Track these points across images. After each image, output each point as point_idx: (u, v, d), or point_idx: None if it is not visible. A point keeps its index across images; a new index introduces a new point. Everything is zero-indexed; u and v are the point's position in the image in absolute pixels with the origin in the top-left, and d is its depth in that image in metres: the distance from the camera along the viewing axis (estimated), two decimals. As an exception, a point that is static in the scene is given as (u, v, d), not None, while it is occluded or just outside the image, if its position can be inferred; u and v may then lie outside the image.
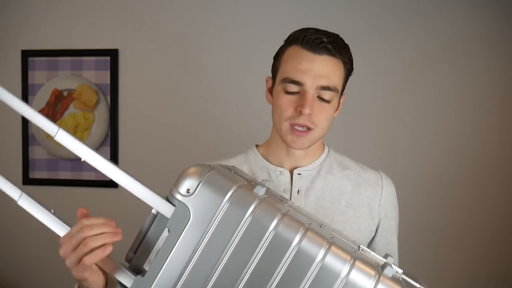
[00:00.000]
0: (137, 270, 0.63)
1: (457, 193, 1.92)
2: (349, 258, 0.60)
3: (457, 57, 1.92)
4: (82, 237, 0.62)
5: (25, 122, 2.12)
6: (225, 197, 0.60)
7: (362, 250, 0.65)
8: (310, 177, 0.93)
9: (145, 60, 2.07)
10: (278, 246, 0.59)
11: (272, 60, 0.94)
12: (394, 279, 0.60)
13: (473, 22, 1.91)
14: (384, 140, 1.96)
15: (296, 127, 0.85)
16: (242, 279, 0.59)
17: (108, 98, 2.08)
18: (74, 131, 2.09)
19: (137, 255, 0.63)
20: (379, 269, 0.61)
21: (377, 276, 0.59)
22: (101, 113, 2.08)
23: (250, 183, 0.66)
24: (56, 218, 0.65)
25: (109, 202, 2.02)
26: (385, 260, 0.65)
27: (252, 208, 0.60)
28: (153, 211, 0.64)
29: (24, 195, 0.68)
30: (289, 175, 0.93)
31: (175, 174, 0.96)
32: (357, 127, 1.97)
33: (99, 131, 2.08)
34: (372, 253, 0.66)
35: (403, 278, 0.63)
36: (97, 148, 2.08)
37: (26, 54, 2.10)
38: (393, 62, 1.95)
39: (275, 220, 0.60)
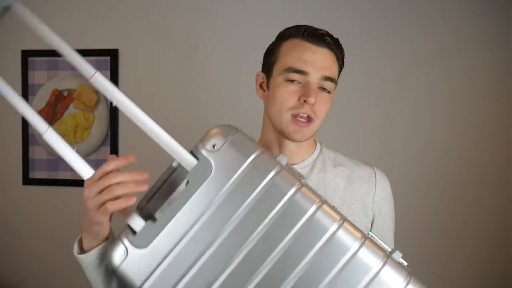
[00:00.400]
0: (148, 218, 0.63)
1: (454, 193, 1.92)
2: (360, 236, 0.61)
3: (453, 57, 1.92)
4: (107, 183, 0.63)
5: (25, 122, 2.12)
6: (248, 158, 0.61)
7: (372, 237, 0.66)
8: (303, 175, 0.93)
9: (145, 60, 2.07)
10: (293, 213, 0.60)
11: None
12: (401, 264, 0.61)
13: (468, 21, 1.91)
14: (380, 140, 1.96)
15: (298, 118, 0.85)
16: (252, 240, 0.59)
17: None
18: (74, 131, 2.09)
19: (150, 204, 0.64)
20: (387, 252, 0.62)
21: (385, 258, 0.60)
22: (101, 113, 2.08)
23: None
24: (80, 158, 0.66)
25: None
26: (393, 248, 0.66)
27: (274, 173, 0.61)
28: (174, 164, 0.66)
29: (50, 129, 0.72)
30: None
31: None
32: (353, 127, 1.97)
33: (99, 131, 2.08)
34: (381, 241, 0.67)
35: (408, 268, 0.64)
36: (97, 148, 2.08)
37: (26, 54, 2.10)
38: (388, 61, 1.95)
39: (293, 188, 0.61)
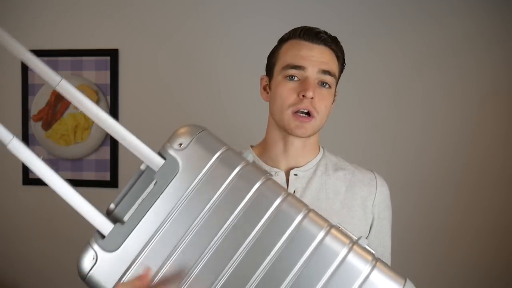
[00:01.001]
0: (117, 221, 0.62)
1: (450, 194, 1.92)
2: (325, 225, 0.61)
3: (449, 58, 1.92)
4: None
5: (25, 122, 2.12)
6: (214, 155, 0.62)
7: (341, 227, 0.67)
8: (306, 178, 0.93)
9: (145, 60, 2.07)
10: (260, 206, 0.60)
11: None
12: (367, 249, 0.62)
13: (463, 23, 1.91)
14: (378, 141, 1.96)
15: (299, 114, 0.87)
16: (221, 236, 0.60)
17: (108, 98, 2.08)
18: (74, 131, 2.09)
19: (119, 207, 0.64)
20: (353, 239, 0.62)
21: (350, 244, 0.60)
22: (101, 113, 2.08)
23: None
24: (48, 168, 0.67)
25: (109, 202, 2.02)
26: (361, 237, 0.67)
27: (239, 169, 0.62)
28: (142, 166, 0.66)
29: (15, 139, 0.70)
30: (284, 175, 0.92)
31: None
32: (350, 129, 1.97)
33: (99, 131, 2.08)
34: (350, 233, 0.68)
35: (375, 255, 0.64)
36: (97, 148, 2.08)
37: (26, 54, 2.10)
38: (385, 63, 1.95)
39: (260, 181, 0.61)
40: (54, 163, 2.11)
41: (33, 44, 2.11)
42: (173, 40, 2.05)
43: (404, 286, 0.58)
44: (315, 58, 0.87)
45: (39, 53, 2.22)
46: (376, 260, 0.60)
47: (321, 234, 0.59)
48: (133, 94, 2.09)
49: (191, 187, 0.61)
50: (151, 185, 0.62)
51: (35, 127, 2.10)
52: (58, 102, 2.10)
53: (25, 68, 2.10)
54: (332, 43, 0.90)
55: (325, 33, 0.91)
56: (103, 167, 2.10)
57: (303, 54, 0.88)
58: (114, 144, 2.08)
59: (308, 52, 0.88)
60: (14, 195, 2.14)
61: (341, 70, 0.95)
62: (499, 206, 1.90)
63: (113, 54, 2.06)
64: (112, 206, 0.65)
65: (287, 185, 0.91)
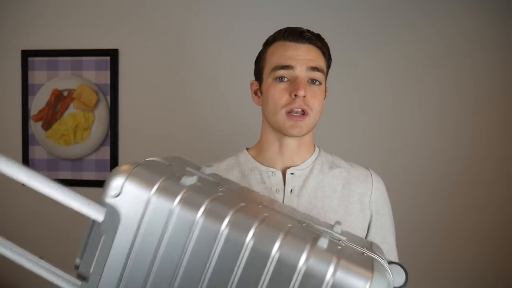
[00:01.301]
0: (84, 277, 0.63)
1: (446, 194, 1.92)
2: (279, 236, 0.57)
3: (444, 58, 1.92)
4: None
5: (25, 122, 2.12)
6: (150, 191, 0.59)
7: (305, 224, 0.63)
8: (303, 176, 0.93)
9: (145, 60, 2.07)
10: (208, 235, 0.58)
11: None
12: (330, 249, 0.57)
13: (460, 23, 1.91)
14: (376, 141, 1.96)
15: (293, 113, 0.88)
16: (179, 272, 0.59)
17: (108, 98, 2.08)
18: (74, 131, 2.09)
19: (83, 261, 0.63)
20: (312, 241, 0.58)
21: (307, 249, 0.56)
22: (101, 113, 2.08)
23: (184, 173, 0.65)
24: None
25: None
26: (323, 230, 0.63)
27: (178, 199, 0.59)
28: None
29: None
30: (281, 175, 0.93)
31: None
32: (348, 129, 1.97)
33: (99, 131, 2.08)
34: (323, 227, 0.64)
35: (344, 246, 0.60)
36: (97, 148, 2.09)
37: (26, 54, 2.10)
38: (381, 64, 1.95)
39: (202, 207, 0.59)
40: (54, 163, 2.12)
41: (33, 44, 2.11)
42: (173, 40, 2.05)
43: (371, 280, 0.53)
44: (302, 56, 0.89)
45: (39, 53, 2.24)
46: (339, 258, 0.56)
47: (274, 251, 0.55)
48: (133, 94, 2.09)
49: (138, 230, 0.59)
50: (102, 237, 0.61)
51: (35, 127, 2.10)
52: (58, 102, 2.10)
53: (25, 68, 2.10)
54: (317, 40, 0.91)
55: (309, 31, 0.92)
56: (103, 167, 2.10)
57: (290, 54, 0.89)
58: (114, 144, 2.08)
59: (294, 52, 0.89)
60: (14, 195, 2.14)
61: (328, 66, 0.96)
62: (496, 206, 1.90)
63: (113, 54, 2.06)
64: (77, 260, 0.64)
65: (284, 184, 0.92)
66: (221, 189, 0.65)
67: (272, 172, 0.93)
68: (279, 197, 0.91)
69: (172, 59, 2.06)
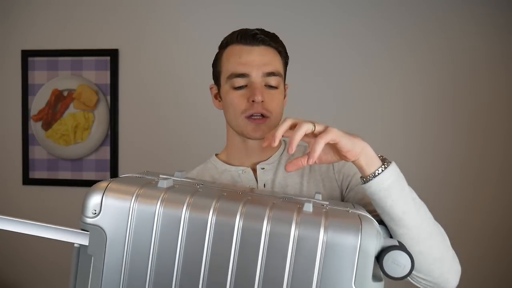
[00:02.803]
0: None
1: (451, 196, 1.92)
2: (265, 212, 0.59)
3: (445, 56, 1.92)
4: None
5: (25, 122, 2.12)
6: (130, 201, 0.60)
7: (287, 198, 0.65)
8: (273, 169, 0.94)
9: (145, 60, 2.07)
10: (197, 228, 0.58)
11: None
12: (317, 212, 0.60)
13: (465, 20, 1.91)
14: (378, 141, 1.96)
15: (253, 117, 0.88)
16: (177, 272, 0.59)
17: (108, 98, 2.08)
18: (74, 131, 2.09)
19: None
20: (297, 209, 0.60)
21: (295, 216, 0.58)
22: (101, 113, 2.08)
23: (159, 180, 0.66)
24: None
25: None
26: (305, 199, 0.64)
27: (160, 201, 0.60)
28: (75, 244, 0.63)
29: None
30: (251, 171, 0.94)
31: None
32: (349, 128, 1.97)
33: (99, 131, 2.08)
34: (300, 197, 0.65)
35: (329, 208, 0.62)
36: (97, 148, 2.09)
37: (26, 54, 2.10)
38: (386, 64, 1.95)
39: (184, 205, 0.59)
40: (54, 163, 2.12)
41: (33, 44, 2.11)
42: (173, 40, 2.05)
43: (360, 231, 0.56)
44: (257, 61, 0.87)
45: (39, 53, 2.24)
46: (327, 218, 0.58)
47: (264, 226, 0.57)
48: (133, 94, 2.09)
49: (127, 242, 0.59)
50: (92, 261, 0.61)
51: (35, 127, 2.10)
52: (58, 102, 2.10)
53: (25, 68, 2.11)
54: (271, 41, 0.90)
55: (263, 32, 0.90)
56: (103, 167, 2.10)
57: (244, 61, 0.88)
58: (114, 144, 2.08)
59: (248, 57, 0.88)
60: (14, 195, 2.14)
61: (285, 64, 0.95)
62: (501, 207, 1.90)
63: (113, 54, 2.06)
64: None
65: (256, 180, 0.93)
66: (199, 186, 0.66)
67: (242, 170, 0.94)
68: None
69: (172, 59, 2.06)
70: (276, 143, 0.65)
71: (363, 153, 0.67)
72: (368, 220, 0.59)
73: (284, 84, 0.96)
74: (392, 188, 0.67)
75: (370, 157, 0.68)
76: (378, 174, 0.67)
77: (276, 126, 0.91)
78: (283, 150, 0.99)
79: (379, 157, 0.70)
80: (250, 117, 0.88)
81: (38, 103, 2.10)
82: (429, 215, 0.76)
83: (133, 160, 2.09)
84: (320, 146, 0.63)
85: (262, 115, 0.88)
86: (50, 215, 2.10)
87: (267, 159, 0.96)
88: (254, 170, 0.95)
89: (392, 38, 1.95)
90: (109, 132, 2.08)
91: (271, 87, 0.89)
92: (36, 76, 2.11)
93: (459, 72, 1.92)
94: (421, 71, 1.94)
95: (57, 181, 2.11)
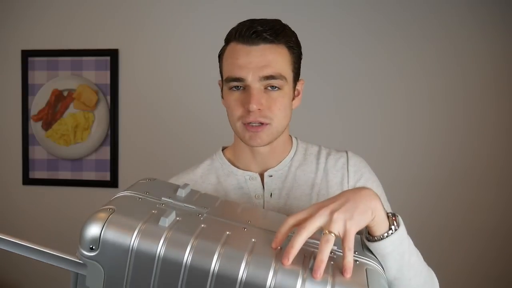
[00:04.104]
0: None
1: (452, 195, 1.92)
2: (272, 263, 0.55)
3: (450, 57, 1.92)
4: None
5: (25, 122, 2.12)
6: (131, 239, 0.56)
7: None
8: (282, 177, 0.88)
9: (145, 60, 2.07)
10: (198, 278, 0.55)
11: None
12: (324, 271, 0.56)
13: (467, 21, 1.91)
14: (380, 140, 1.96)
15: (250, 125, 0.81)
16: None
17: (108, 98, 2.08)
18: (74, 131, 2.09)
19: None
20: (303, 266, 0.57)
21: (301, 274, 0.54)
22: (101, 113, 2.08)
23: (161, 207, 0.63)
24: None
25: None
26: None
27: (161, 245, 0.56)
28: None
29: None
30: (259, 178, 0.88)
31: (176, 174, 0.96)
32: (352, 128, 1.97)
33: (99, 131, 2.08)
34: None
35: (336, 257, 0.59)
36: (97, 148, 2.09)
37: (26, 54, 2.10)
38: (392, 65, 1.95)
39: (187, 250, 0.56)
40: (54, 163, 2.12)
41: (33, 44, 2.11)
42: (173, 40, 2.05)
43: None
44: (254, 64, 0.79)
45: (39, 53, 2.24)
46: (334, 278, 0.55)
47: (269, 280, 0.54)
48: (133, 94, 2.09)
49: (125, 281, 0.57)
50: None
51: (35, 127, 2.10)
52: (58, 102, 2.10)
53: (25, 68, 2.10)
54: (276, 36, 0.80)
55: (264, 27, 0.80)
56: (103, 167, 2.10)
57: (240, 63, 0.79)
58: (114, 144, 2.08)
59: (245, 59, 0.79)
60: (14, 195, 2.14)
61: (296, 61, 0.85)
62: (501, 206, 1.90)
63: (113, 54, 2.06)
64: None
65: (263, 188, 0.88)
66: (202, 218, 0.62)
67: (250, 177, 0.88)
68: (259, 203, 0.86)
69: (172, 59, 2.06)
70: (280, 245, 0.59)
71: (376, 219, 0.62)
72: (376, 277, 0.56)
73: (297, 81, 0.87)
74: (392, 254, 0.65)
75: (380, 221, 0.63)
76: (382, 238, 0.63)
77: (279, 131, 0.84)
78: (294, 155, 0.91)
79: (388, 215, 0.66)
80: (247, 124, 0.81)
81: (38, 103, 2.10)
82: (422, 266, 0.75)
83: (133, 160, 2.09)
84: (351, 257, 0.57)
85: (261, 123, 0.81)
86: (50, 215, 2.10)
87: (276, 166, 0.89)
88: (262, 176, 0.88)
89: (393, 38, 1.95)
90: (109, 132, 2.08)
91: (273, 87, 0.81)
92: (36, 76, 2.11)
93: (461, 72, 1.92)
94: (422, 71, 1.94)
95: (57, 181, 2.11)
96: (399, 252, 0.65)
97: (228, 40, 0.85)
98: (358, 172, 0.89)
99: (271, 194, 0.87)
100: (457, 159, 1.92)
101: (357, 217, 0.59)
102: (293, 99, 0.87)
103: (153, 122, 2.07)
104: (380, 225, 0.63)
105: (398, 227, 0.65)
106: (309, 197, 0.86)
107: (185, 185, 0.70)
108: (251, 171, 0.90)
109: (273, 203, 0.86)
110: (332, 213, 0.58)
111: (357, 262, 0.59)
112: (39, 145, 2.12)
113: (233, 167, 0.91)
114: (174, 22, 2.05)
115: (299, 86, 0.89)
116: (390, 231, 0.64)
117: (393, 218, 0.66)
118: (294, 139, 0.94)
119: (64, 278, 2.02)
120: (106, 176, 2.09)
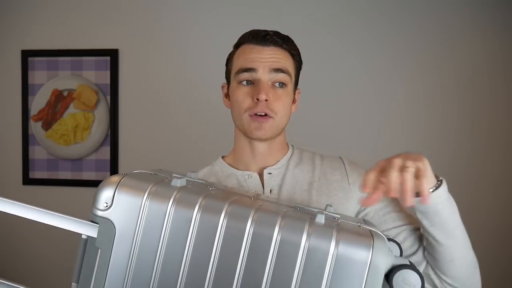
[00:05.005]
0: None
1: (452, 194, 1.92)
2: (277, 220, 0.58)
3: (447, 57, 1.92)
4: None
5: (25, 122, 2.12)
6: (143, 197, 0.60)
7: (298, 208, 0.64)
8: (280, 175, 0.92)
9: (145, 60, 2.07)
10: (208, 231, 0.58)
11: None
12: (329, 225, 0.59)
13: (465, 21, 1.91)
14: (378, 141, 1.96)
15: (256, 115, 0.87)
16: (183, 272, 0.58)
17: (108, 98, 2.08)
18: (74, 131, 2.09)
19: (80, 283, 0.62)
20: (310, 220, 0.60)
21: (307, 227, 0.57)
22: (101, 113, 2.08)
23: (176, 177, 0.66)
24: None
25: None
26: (317, 210, 0.64)
27: (172, 200, 0.59)
28: (83, 236, 0.63)
29: None
30: (258, 176, 0.92)
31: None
32: (352, 128, 1.97)
33: (99, 131, 2.08)
34: (312, 207, 0.65)
35: (340, 222, 0.62)
36: (97, 148, 2.09)
37: (26, 54, 2.10)
38: (389, 65, 1.95)
39: (196, 206, 0.59)
40: (54, 163, 2.12)
41: (33, 44, 2.11)
42: (173, 40, 2.05)
43: (372, 246, 0.55)
44: (265, 59, 0.87)
45: (39, 53, 2.24)
46: (338, 231, 0.57)
47: (275, 234, 0.57)
48: (133, 94, 2.09)
49: (135, 238, 0.59)
50: (98, 254, 0.60)
51: (35, 127, 2.10)
52: (58, 102, 2.10)
53: (25, 68, 2.11)
54: (283, 43, 0.90)
55: (275, 33, 0.90)
56: (103, 167, 2.10)
57: (253, 57, 0.88)
58: (114, 144, 2.08)
59: (257, 55, 0.88)
60: (14, 195, 2.14)
61: (297, 68, 0.94)
62: (501, 207, 1.90)
63: (113, 54, 2.06)
64: (74, 285, 0.63)
65: (263, 185, 0.91)
66: (211, 188, 0.66)
67: (249, 175, 0.92)
68: None
69: (172, 59, 2.06)
70: (369, 190, 0.68)
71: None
72: (380, 237, 0.58)
73: (295, 88, 0.94)
74: (448, 201, 0.76)
75: (431, 174, 0.73)
76: (436, 188, 0.75)
77: (280, 128, 0.91)
78: (291, 155, 0.97)
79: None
80: (254, 115, 0.87)
81: (38, 103, 2.10)
82: (468, 241, 0.90)
83: (133, 160, 2.09)
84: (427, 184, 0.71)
85: (266, 115, 0.87)
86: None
87: (275, 164, 0.94)
88: (261, 175, 0.93)
89: (393, 39, 1.95)
90: (109, 132, 2.09)
91: (279, 85, 0.88)
92: (36, 76, 2.11)
93: (460, 72, 1.92)
94: (421, 72, 1.94)
95: (57, 181, 2.11)
96: (451, 200, 0.78)
97: (240, 43, 0.93)
98: (356, 170, 0.94)
99: (270, 190, 0.91)
100: (457, 159, 1.92)
101: (427, 163, 0.72)
102: (292, 102, 0.94)
103: (153, 122, 2.07)
104: (431, 177, 0.75)
105: (443, 181, 0.78)
106: (308, 193, 0.90)
107: (194, 171, 0.73)
108: (250, 171, 0.94)
109: (275, 199, 0.88)
110: (406, 157, 0.71)
111: (360, 226, 0.62)
112: (39, 145, 2.12)
113: (233, 168, 0.95)
114: (174, 22, 2.05)
115: (296, 95, 0.96)
116: (438, 183, 0.77)
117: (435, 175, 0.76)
118: (290, 146, 1.00)
119: (64, 278, 2.02)
120: (106, 176, 2.08)
